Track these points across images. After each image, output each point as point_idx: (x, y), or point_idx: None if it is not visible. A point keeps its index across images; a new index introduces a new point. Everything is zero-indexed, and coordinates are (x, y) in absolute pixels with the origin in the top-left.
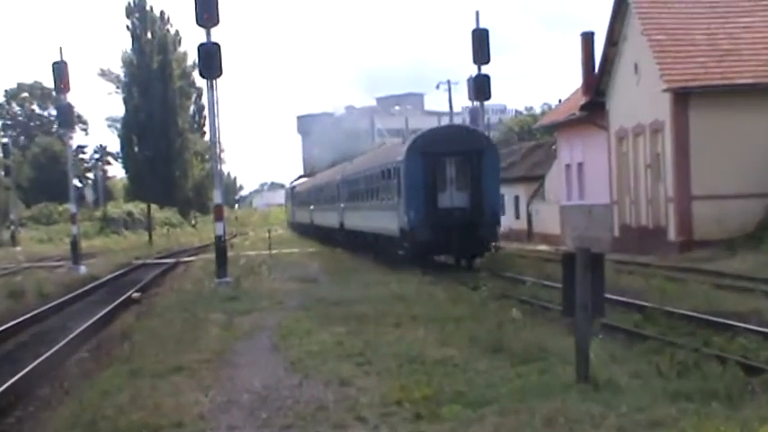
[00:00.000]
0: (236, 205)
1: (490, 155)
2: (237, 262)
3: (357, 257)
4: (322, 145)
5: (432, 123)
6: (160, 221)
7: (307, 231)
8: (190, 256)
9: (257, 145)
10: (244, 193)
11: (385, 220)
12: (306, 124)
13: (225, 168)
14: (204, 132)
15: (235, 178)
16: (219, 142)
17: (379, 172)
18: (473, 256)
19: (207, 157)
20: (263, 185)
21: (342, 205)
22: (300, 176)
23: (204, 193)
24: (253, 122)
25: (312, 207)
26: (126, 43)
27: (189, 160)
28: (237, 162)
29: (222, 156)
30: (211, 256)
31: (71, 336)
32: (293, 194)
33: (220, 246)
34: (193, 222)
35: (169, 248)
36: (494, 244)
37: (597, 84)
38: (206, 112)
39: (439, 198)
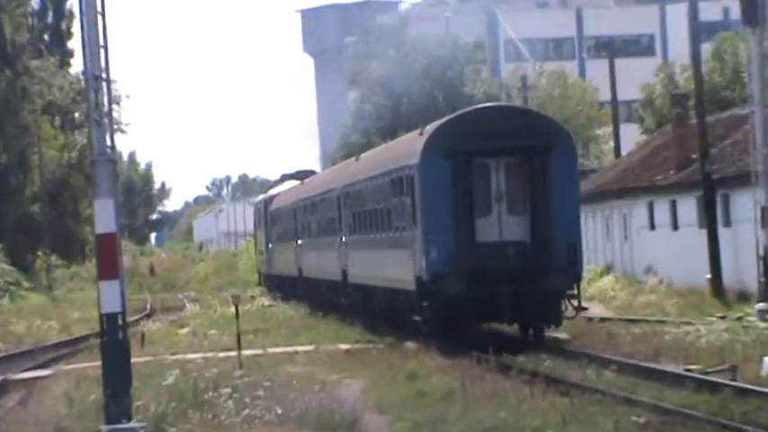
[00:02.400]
0: (153, 236)
1: (563, 152)
2: (159, 379)
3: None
4: (366, 87)
5: (642, 22)
6: None
7: (293, 290)
8: (38, 366)
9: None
10: (173, 205)
11: (394, 264)
12: (319, 35)
13: (124, 143)
14: (69, 60)
15: (162, 184)
16: (108, 77)
17: (388, 182)
18: (538, 323)
19: (79, 118)
20: (214, 189)
21: (343, 238)
22: (283, 178)
23: (70, 208)
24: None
25: (300, 242)
26: None
27: (31, 128)
28: (163, 148)
29: (120, 115)
30: (92, 365)
31: None
32: (267, 216)
33: (113, 341)
34: (47, 282)
35: None
36: (571, 302)
37: None
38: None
39: (479, 227)
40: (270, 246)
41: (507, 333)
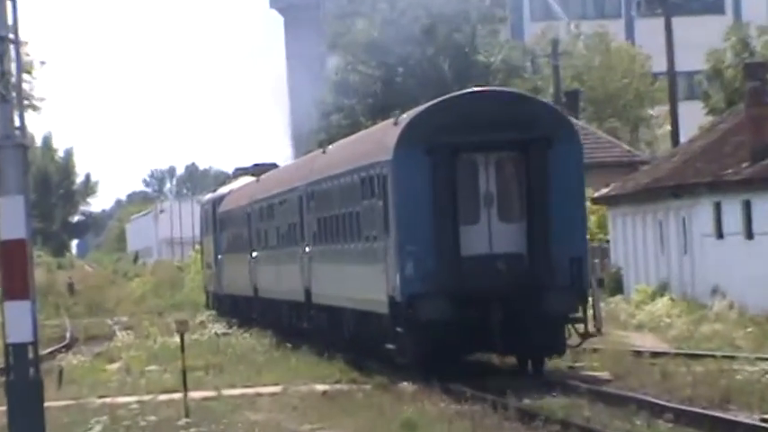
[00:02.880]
0: (74, 244)
1: (566, 147)
2: (82, 429)
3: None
4: (350, 52)
5: None
6: None
7: (248, 313)
8: None
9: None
10: (100, 204)
11: (363, 281)
12: None
13: (38, 123)
14: None
15: (86, 177)
16: (17, 38)
17: (357, 181)
18: (537, 353)
19: None
20: (154, 183)
21: (307, 249)
22: (236, 173)
23: None
24: None
25: (255, 254)
26: None
27: None
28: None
29: (31, 87)
30: None
31: None
32: (216, 221)
33: (22, 379)
34: None
35: None
36: (576, 326)
37: None
38: None
39: (464, 237)
40: (219, 258)
41: (505, 366)
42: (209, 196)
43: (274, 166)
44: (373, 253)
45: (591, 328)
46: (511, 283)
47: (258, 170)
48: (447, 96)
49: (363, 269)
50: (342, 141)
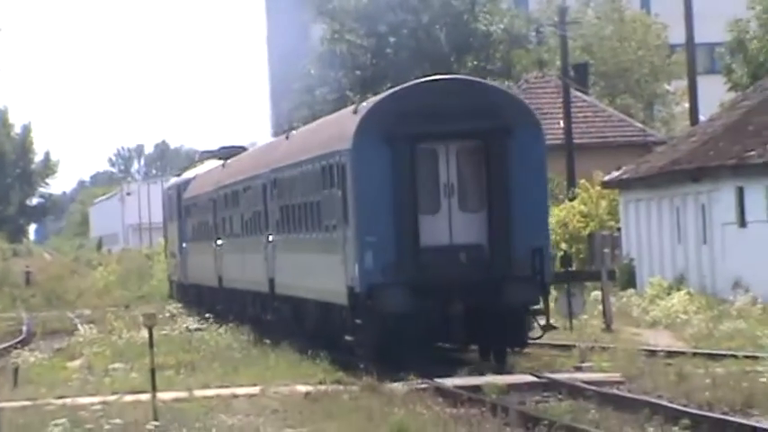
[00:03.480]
0: (32, 230)
1: (527, 135)
2: (39, 431)
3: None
4: (337, 20)
5: None
6: None
7: (212, 304)
8: None
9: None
10: (60, 186)
11: (323, 271)
12: None
13: None
14: None
15: (46, 155)
16: None
17: (318, 169)
18: (497, 344)
19: None
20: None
21: (270, 238)
22: (202, 157)
23: None
24: None
25: (220, 243)
26: None
27: None
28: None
29: None
30: None
31: None
32: (181, 207)
33: None
34: None
35: None
36: (536, 319)
37: None
38: None
39: (424, 227)
40: (184, 246)
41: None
42: (173, 181)
43: (243, 149)
44: (333, 243)
45: (551, 320)
46: (471, 274)
47: (225, 153)
48: (407, 84)
49: (323, 259)
50: (305, 127)
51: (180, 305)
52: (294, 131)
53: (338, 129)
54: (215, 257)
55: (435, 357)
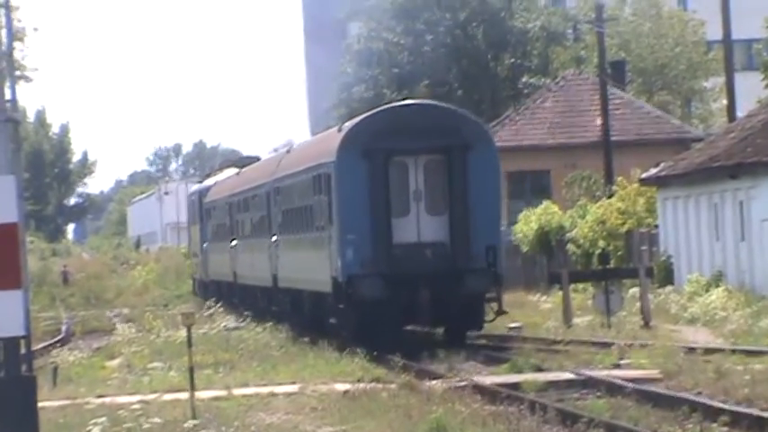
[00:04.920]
0: (71, 229)
1: (483, 151)
2: (78, 429)
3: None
4: (373, 18)
5: None
6: None
7: (228, 298)
8: None
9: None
10: (98, 185)
11: (314, 265)
12: None
13: (30, 96)
14: None
15: (84, 155)
16: (7, 2)
17: (310, 179)
18: (458, 326)
19: None
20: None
21: (273, 239)
22: (222, 165)
23: None
24: None
25: (234, 243)
26: None
27: None
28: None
29: (23, 56)
30: None
31: None
32: (202, 211)
33: (13, 377)
34: None
35: None
36: (492, 305)
37: None
38: None
39: (396, 227)
40: (204, 246)
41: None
42: (195, 187)
43: (257, 158)
44: (321, 241)
45: (503, 307)
46: (436, 267)
47: (241, 162)
48: (381, 108)
49: (314, 255)
50: (302, 143)
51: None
52: (295, 146)
53: (326, 144)
54: (230, 257)
55: (406, 338)
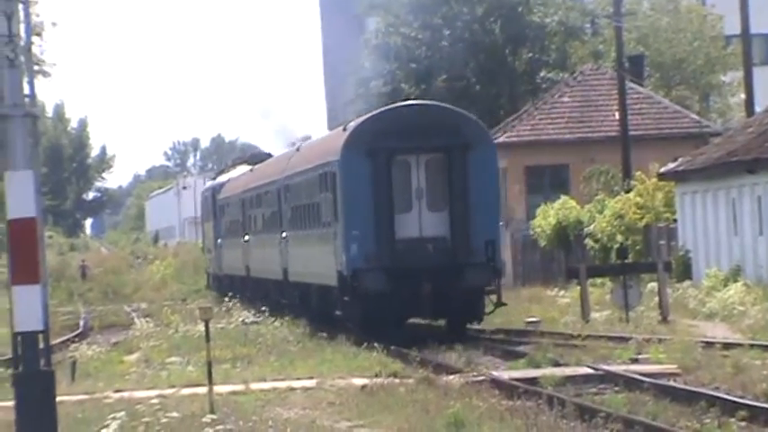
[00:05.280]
0: (89, 224)
1: (482, 150)
2: (97, 426)
3: None
4: (391, 12)
5: None
6: None
7: (242, 292)
8: None
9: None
10: (117, 180)
11: (321, 260)
12: None
13: (49, 91)
14: None
15: (102, 150)
16: None
17: (317, 177)
18: (459, 318)
19: None
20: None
21: (284, 234)
22: (234, 163)
23: None
24: None
25: (247, 238)
26: None
27: None
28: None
29: (42, 51)
30: (2, 404)
31: None
32: (216, 208)
33: (32, 371)
34: None
35: None
36: (491, 297)
37: None
38: None
39: (399, 223)
40: (218, 242)
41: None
42: (209, 184)
43: (269, 155)
44: (328, 236)
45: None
46: (437, 261)
47: (254, 159)
48: (385, 108)
49: (321, 249)
50: (309, 141)
51: (214, 294)
52: (304, 144)
53: (331, 144)
54: (243, 251)
55: (409, 330)
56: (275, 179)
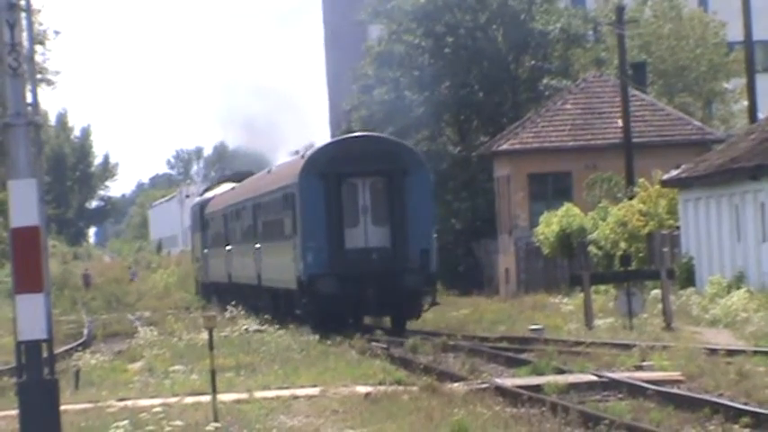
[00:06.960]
0: (92, 232)
1: (418, 175)
2: None
3: None
4: (395, 20)
5: None
6: None
7: (225, 297)
8: None
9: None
10: (120, 188)
11: (281, 266)
12: None
13: (52, 99)
14: None
15: (105, 158)
16: (29, 5)
17: (281, 196)
18: (399, 315)
19: None
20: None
21: (257, 245)
22: (220, 180)
23: None
24: None
25: (229, 249)
26: None
27: None
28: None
29: (45, 60)
30: (5, 413)
31: None
32: (203, 221)
33: (35, 380)
34: None
35: None
36: (426, 298)
37: None
38: None
39: (347, 235)
40: (205, 252)
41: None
42: (197, 199)
43: (251, 173)
44: (289, 247)
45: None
46: (380, 267)
47: (238, 177)
48: (335, 139)
49: (284, 258)
50: (278, 164)
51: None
52: (275, 166)
53: (292, 169)
54: (225, 260)
55: (357, 326)
56: (251, 197)
